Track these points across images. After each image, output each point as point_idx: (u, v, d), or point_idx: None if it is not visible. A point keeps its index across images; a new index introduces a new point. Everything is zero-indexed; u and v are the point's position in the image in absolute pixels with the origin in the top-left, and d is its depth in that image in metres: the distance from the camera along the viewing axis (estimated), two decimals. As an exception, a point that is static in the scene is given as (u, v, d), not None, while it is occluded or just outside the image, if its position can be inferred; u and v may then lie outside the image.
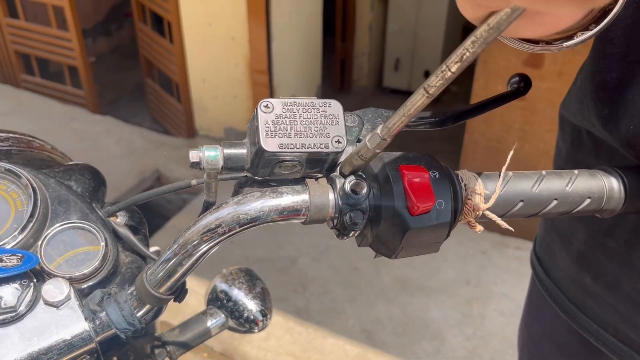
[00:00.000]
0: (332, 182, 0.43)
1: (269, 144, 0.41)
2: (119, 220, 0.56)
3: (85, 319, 0.46)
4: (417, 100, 0.36)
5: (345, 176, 0.43)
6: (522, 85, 0.56)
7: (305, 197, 0.42)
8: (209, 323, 0.78)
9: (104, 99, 3.56)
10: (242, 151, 0.44)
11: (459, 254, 2.21)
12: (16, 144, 0.62)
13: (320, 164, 0.44)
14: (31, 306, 0.45)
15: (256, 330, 0.82)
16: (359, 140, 0.46)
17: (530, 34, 0.41)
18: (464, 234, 2.31)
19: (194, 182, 0.54)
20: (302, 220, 0.43)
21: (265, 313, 0.82)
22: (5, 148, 0.61)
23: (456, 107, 0.56)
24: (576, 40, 0.42)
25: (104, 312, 0.47)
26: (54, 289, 0.46)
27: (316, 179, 0.44)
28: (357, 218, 0.41)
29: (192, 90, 3.02)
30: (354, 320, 1.96)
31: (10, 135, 0.64)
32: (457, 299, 2.03)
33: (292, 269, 2.16)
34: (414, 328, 1.93)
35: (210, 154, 0.43)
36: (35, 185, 0.51)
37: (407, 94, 2.39)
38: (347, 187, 0.42)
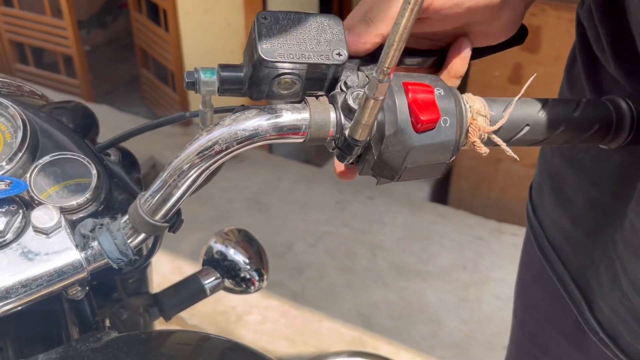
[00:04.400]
0: (333, 100, 0.42)
1: (268, 53, 0.40)
2: (112, 159, 0.55)
3: (77, 246, 0.44)
4: (403, 16, 0.33)
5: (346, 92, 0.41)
6: (518, 33, 0.55)
7: (305, 114, 0.41)
8: (205, 282, 0.77)
9: (99, 91, 3.53)
10: (239, 74, 0.43)
11: (455, 240, 2.20)
12: (6, 87, 0.61)
13: (320, 82, 0.43)
14: (20, 233, 0.44)
15: (252, 290, 0.80)
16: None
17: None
18: (461, 221, 2.30)
19: (187, 114, 0.52)
20: (302, 140, 0.41)
21: (261, 273, 0.81)
22: (-5, 88, 0.59)
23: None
24: None
25: (96, 241, 0.45)
26: (44, 216, 0.44)
27: (317, 97, 0.42)
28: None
29: (187, 79, 2.99)
30: (350, 304, 1.95)
31: (1, 79, 0.63)
32: (453, 284, 2.02)
33: (288, 254, 2.14)
34: (410, 312, 1.91)
35: (207, 75, 0.42)
36: (24, 116, 0.49)
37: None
38: (350, 99, 0.40)
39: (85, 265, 0.44)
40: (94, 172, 0.48)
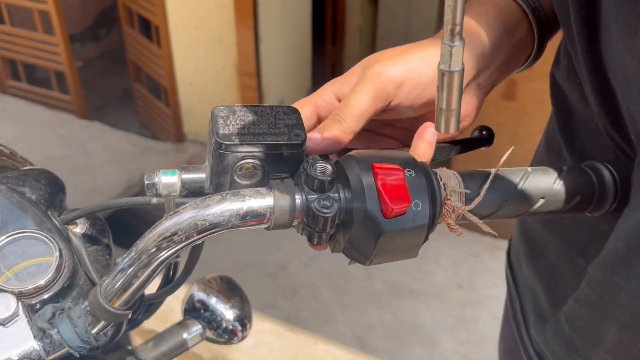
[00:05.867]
0: (298, 181, 0.40)
1: (226, 137, 0.39)
2: (78, 230, 0.53)
3: (35, 337, 0.42)
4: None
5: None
6: (486, 135, 0.56)
7: (269, 199, 0.39)
8: (185, 335, 0.75)
9: (91, 105, 3.51)
10: (201, 175, 0.42)
11: (450, 258, 2.18)
12: (-29, 149, 0.59)
13: (283, 168, 0.41)
14: (-26, 324, 0.42)
15: (235, 341, 0.78)
16: None
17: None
18: (455, 237, 2.27)
19: (154, 200, 0.50)
20: (267, 226, 0.40)
21: (244, 323, 0.78)
22: (-41, 153, 0.57)
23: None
24: None
25: (56, 330, 0.43)
26: (0, 305, 0.42)
27: (281, 180, 0.40)
28: (327, 202, 0.38)
29: (180, 94, 2.98)
30: (345, 326, 1.93)
31: (-33, 140, 0.60)
32: (449, 303, 1.99)
33: (282, 274, 2.12)
34: (406, 333, 1.89)
35: (167, 180, 0.41)
36: (-17, 192, 0.47)
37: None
38: (311, 171, 0.38)
39: (44, 356, 0.42)
40: (56, 252, 0.46)
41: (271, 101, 2.73)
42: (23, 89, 3.46)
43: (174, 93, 2.98)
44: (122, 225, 1.19)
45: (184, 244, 0.39)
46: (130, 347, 0.74)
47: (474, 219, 0.42)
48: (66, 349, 0.43)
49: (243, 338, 0.79)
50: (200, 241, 0.39)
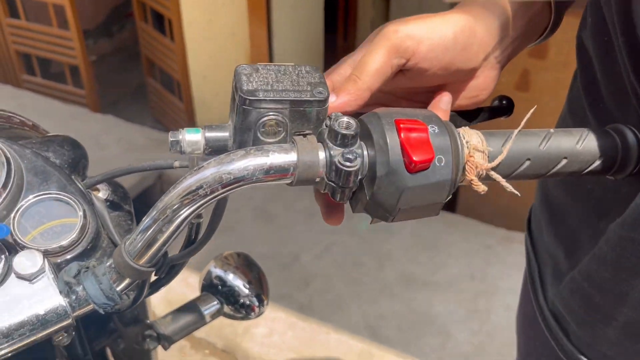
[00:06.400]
0: (321, 137, 0.40)
1: (250, 92, 0.39)
2: (100, 195, 0.53)
3: (60, 292, 0.43)
4: None
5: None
6: (506, 104, 0.56)
7: (293, 154, 0.39)
8: (203, 309, 0.75)
9: (105, 100, 3.54)
10: (225, 134, 0.42)
11: (463, 250, 2.17)
12: (-5, 119, 0.60)
13: (306, 124, 0.41)
14: (2, 279, 0.42)
15: (252, 317, 0.79)
16: None
17: None
18: (469, 228, 2.27)
19: (176, 163, 0.51)
20: (290, 181, 0.40)
21: (261, 299, 0.79)
22: (-17, 122, 0.58)
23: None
24: None
25: (81, 286, 0.44)
26: (26, 261, 0.43)
27: (305, 136, 0.40)
28: (350, 155, 0.38)
29: (193, 88, 2.99)
30: (358, 316, 1.93)
31: (-10, 110, 0.61)
32: (462, 294, 1.99)
33: (295, 265, 2.13)
34: (418, 324, 1.89)
35: (191, 137, 0.42)
36: (8, 154, 0.48)
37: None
38: (335, 125, 0.39)
39: (69, 312, 0.43)
40: (80, 212, 0.47)
41: (284, 94, 2.74)
42: (38, 83, 3.49)
43: (187, 87, 3.00)
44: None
45: (208, 197, 0.39)
46: (149, 321, 0.75)
47: (497, 177, 0.42)
48: (91, 305, 0.44)
49: (260, 314, 0.79)
50: (224, 195, 0.39)
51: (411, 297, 1.98)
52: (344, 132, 0.38)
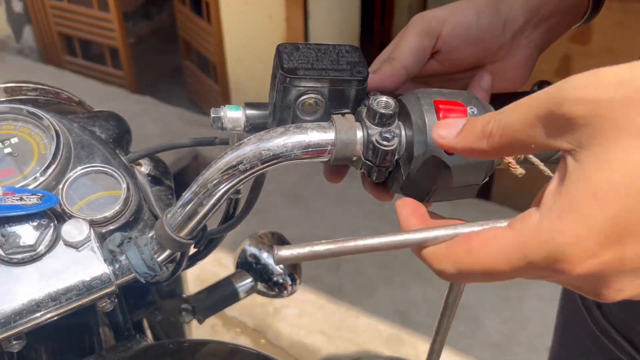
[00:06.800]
0: (359, 117, 0.41)
1: (291, 70, 0.40)
2: (143, 169, 0.55)
3: (105, 261, 0.45)
4: None
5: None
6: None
7: (330, 133, 0.40)
8: (238, 286, 0.77)
9: (143, 82, 3.60)
10: (264, 112, 0.43)
11: (497, 237, 2.15)
12: (44, 94, 0.62)
13: (344, 104, 0.42)
14: (51, 246, 0.44)
15: (285, 295, 0.80)
16: None
17: None
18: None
19: (217, 139, 0.53)
20: (327, 159, 0.41)
21: (294, 278, 0.80)
22: (33, 97, 0.60)
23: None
24: None
25: (124, 256, 0.45)
26: (74, 230, 0.44)
27: (343, 115, 0.41)
28: (388, 135, 0.39)
29: (229, 71, 3.02)
30: (388, 300, 1.94)
31: (39, 86, 0.64)
32: (494, 282, 1.97)
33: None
34: (449, 310, 1.88)
35: (233, 114, 0.43)
36: (58, 128, 0.50)
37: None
38: (373, 104, 0.39)
39: (113, 280, 0.45)
40: (124, 185, 0.49)
41: (319, 78, 2.74)
42: (79, 64, 3.58)
43: (223, 69, 3.03)
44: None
45: (248, 173, 0.40)
46: (185, 295, 0.77)
47: (535, 160, 0.42)
48: (133, 274, 0.45)
49: (292, 292, 0.81)
50: (263, 171, 0.40)
51: (443, 283, 1.96)
52: (383, 111, 0.39)
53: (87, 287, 0.44)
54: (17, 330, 0.42)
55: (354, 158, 0.40)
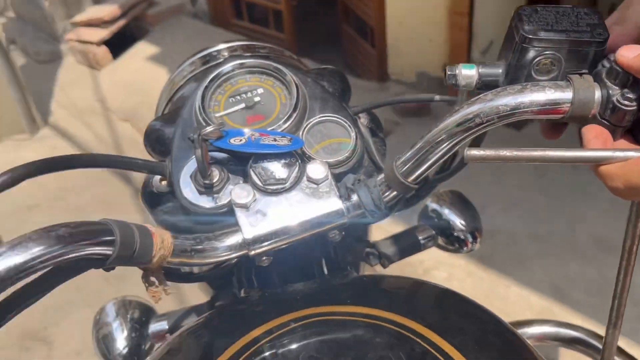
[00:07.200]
0: (598, 78, 0.42)
1: (531, 32, 0.42)
2: (361, 122, 0.61)
3: (340, 197, 0.52)
4: None
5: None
6: None
7: (568, 92, 0.42)
8: (420, 237, 0.82)
9: (302, 44, 3.75)
10: (497, 70, 0.46)
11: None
12: (272, 52, 0.70)
13: (581, 64, 0.44)
14: (296, 181, 0.52)
15: (464, 251, 0.84)
16: None
17: None
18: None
19: (437, 97, 0.57)
20: (561, 117, 0.43)
21: (475, 235, 0.84)
22: (265, 54, 0.69)
23: None
24: None
25: (355, 194, 0.52)
26: (316, 169, 0.52)
27: (580, 75, 0.43)
28: (631, 95, 0.40)
29: (388, 34, 3.04)
30: (542, 274, 1.89)
31: (267, 45, 0.73)
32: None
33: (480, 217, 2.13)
34: (610, 291, 1.79)
35: (467, 72, 0.46)
36: (297, 81, 0.57)
37: None
38: (616, 64, 0.40)
39: (345, 214, 0.52)
40: (352, 134, 0.55)
41: (480, 43, 2.66)
42: (245, 27, 3.82)
43: (382, 33, 3.05)
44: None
45: (482, 126, 0.44)
46: (372, 241, 0.84)
47: None
48: (362, 211, 0.52)
49: (471, 250, 0.84)
50: (498, 125, 0.44)
51: (604, 262, 1.88)
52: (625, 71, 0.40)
53: (325, 218, 0.51)
54: (270, 247, 0.51)
55: (590, 117, 0.42)
